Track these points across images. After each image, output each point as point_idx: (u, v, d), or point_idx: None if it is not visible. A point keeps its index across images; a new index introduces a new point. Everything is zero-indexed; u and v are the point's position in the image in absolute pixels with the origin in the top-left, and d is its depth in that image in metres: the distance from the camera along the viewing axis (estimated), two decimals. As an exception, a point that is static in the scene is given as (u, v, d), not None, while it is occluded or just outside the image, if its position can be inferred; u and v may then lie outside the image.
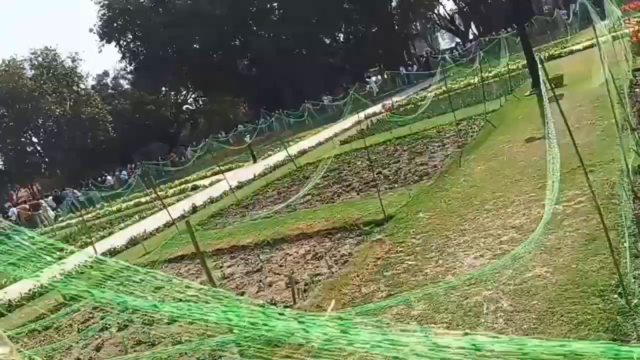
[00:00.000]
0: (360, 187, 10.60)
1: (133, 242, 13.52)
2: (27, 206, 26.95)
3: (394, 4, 55.59)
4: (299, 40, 51.57)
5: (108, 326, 7.46)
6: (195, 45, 53.25)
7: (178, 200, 19.07)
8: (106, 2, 47.15)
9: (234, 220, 11.89)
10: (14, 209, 26.24)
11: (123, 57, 51.22)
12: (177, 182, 25.76)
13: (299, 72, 50.93)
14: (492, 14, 54.48)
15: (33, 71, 51.95)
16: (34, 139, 54.62)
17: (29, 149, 53.45)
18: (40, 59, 51.96)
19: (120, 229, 16.95)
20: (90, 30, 49.20)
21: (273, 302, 6.21)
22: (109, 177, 34.26)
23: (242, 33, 53.22)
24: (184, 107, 68.37)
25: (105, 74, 62.22)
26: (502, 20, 49.07)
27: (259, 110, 54.30)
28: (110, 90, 62.33)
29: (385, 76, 55.96)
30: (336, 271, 6.45)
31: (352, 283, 5.83)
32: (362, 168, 12.54)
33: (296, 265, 7.39)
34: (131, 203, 23.97)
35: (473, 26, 63.94)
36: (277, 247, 8.56)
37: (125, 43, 50.16)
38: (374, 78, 40.05)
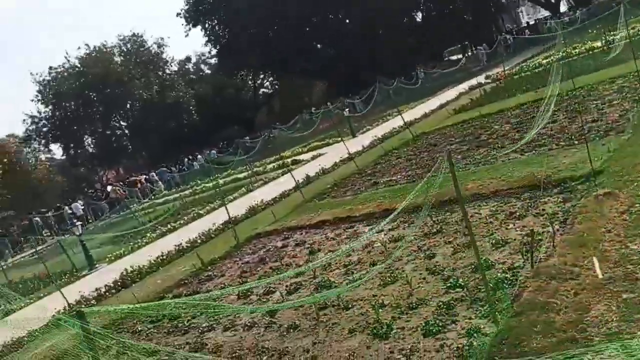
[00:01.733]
0: (522, 148, 9.30)
1: (253, 211, 12.97)
2: (118, 186, 27.76)
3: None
4: (378, 20, 49.78)
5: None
6: (275, 27, 52.89)
7: (283, 174, 18.54)
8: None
9: (365, 187, 10.95)
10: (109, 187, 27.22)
11: (208, 41, 51.67)
12: (271, 158, 25.36)
13: (378, 52, 49.46)
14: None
15: (121, 57, 53.72)
16: (122, 123, 56.59)
17: (117, 133, 55.43)
18: (128, 45, 53.58)
19: (230, 201, 16.57)
20: (178, 14, 49.82)
21: (491, 263, 5.17)
22: (199, 156, 34.68)
23: (322, 13, 52.36)
24: (261, 91, 68.71)
25: (188, 59, 63.37)
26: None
27: (337, 91, 53.45)
28: (191, 76, 63.55)
29: (469, 53, 53.36)
30: (565, 229, 5.30)
31: (605, 239, 4.66)
32: (507, 131, 11.21)
33: (489, 226, 6.30)
34: (229, 179, 23.78)
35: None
36: (447, 209, 7.50)
37: (210, 26, 50.54)
38: (481, 47, 37.59)
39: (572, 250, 4.67)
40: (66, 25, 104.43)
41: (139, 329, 7.25)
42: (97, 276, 12.69)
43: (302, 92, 67.12)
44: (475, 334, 4.03)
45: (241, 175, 23.21)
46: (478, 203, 7.31)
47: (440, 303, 4.77)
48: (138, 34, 54.19)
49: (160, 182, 27.51)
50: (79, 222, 13.25)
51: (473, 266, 5.26)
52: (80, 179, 55.23)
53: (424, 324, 4.46)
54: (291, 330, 5.33)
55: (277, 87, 68.76)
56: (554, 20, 32.97)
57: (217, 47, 52.75)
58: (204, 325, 6.42)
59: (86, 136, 54.38)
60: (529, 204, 6.50)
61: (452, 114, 17.21)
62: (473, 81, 24.77)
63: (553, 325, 3.64)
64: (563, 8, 56.74)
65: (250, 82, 66.15)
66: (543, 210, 6.13)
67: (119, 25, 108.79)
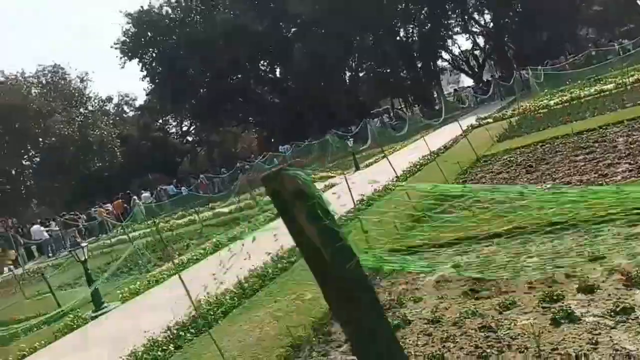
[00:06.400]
0: None
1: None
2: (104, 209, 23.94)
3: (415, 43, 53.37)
4: (321, 72, 48.28)
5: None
6: (208, 73, 50.20)
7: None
8: (135, 15, 44.26)
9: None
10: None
11: (146, 75, 47.93)
12: (256, 191, 22.53)
13: (321, 104, 48.66)
14: (518, 53, 52.22)
15: (39, 89, 48.04)
16: (31, 163, 49.81)
17: (28, 172, 48.57)
18: (48, 76, 48.22)
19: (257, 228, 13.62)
20: (114, 44, 45.82)
21: None
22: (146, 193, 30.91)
23: (264, 59, 51.12)
24: (186, 137, 65.05)
25: (109, 99, 58.41)
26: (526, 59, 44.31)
27: (273, 140, 51.71)
28: (112, 116, 58.34)
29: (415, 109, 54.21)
30: None
31: None
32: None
33: None
34: (210, 214, 20.48)
35: (489, 67, 63.15)
36: None
37: (148, 61, 47.05)
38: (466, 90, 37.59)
39: None
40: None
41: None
42: (110, 320, 9.08)
43: (230, 141, 64.91)
44: None
45: (225, 210, 20.04)
46: None
47: None
48: (59, 65, 49.23)
49: (140, 204, 23.62)
50: (85, 243, 9.64)
51: None
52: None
53: None
54: None
55: (203, 135, 65.33)
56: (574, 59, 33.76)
57: (152, 86, 49.14)
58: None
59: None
60: None
61: (495, 141, 15.90)
62: (464, 122, 24.14)
63: None
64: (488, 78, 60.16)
65: (176, 128, 62.84)
66: None
67: (38, 55, 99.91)
